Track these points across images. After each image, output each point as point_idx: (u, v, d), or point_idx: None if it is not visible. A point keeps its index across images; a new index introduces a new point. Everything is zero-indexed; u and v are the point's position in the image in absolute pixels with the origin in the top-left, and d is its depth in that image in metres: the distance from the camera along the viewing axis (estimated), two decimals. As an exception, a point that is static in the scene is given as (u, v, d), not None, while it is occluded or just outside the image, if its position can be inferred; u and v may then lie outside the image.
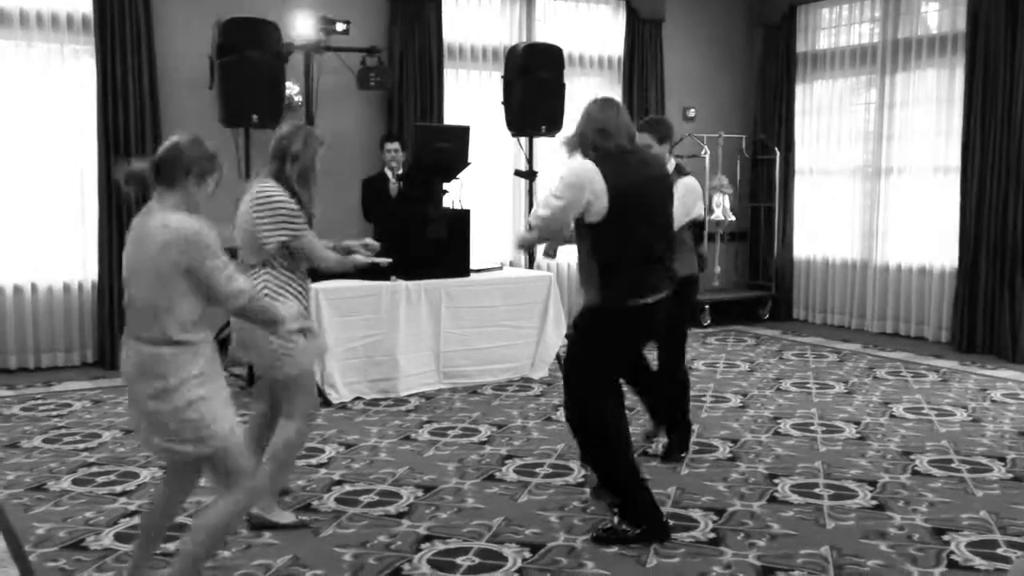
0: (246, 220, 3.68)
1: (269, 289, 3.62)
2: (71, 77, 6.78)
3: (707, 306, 8.83)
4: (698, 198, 4.69)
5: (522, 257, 8.02)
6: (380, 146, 7.08)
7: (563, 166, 3.66)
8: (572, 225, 3.63)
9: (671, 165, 4.61)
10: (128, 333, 2.84)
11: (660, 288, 3.61)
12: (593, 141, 3.58)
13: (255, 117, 6.34)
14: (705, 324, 8.77)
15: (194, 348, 2.77)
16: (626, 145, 3.60)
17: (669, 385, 4.74)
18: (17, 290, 6.71)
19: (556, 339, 6.63)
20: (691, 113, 9.34)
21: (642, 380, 4.66)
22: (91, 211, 6.82)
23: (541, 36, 8.26)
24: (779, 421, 5.41)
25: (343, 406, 5.71)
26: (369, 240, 4.13)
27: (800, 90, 9.28)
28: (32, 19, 6.60)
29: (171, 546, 3.34)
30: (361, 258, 4.11)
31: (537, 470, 4.49)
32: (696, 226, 4.88)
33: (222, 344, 5.01)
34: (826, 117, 9.12)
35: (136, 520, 3.76)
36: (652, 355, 4.74)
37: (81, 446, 4.86)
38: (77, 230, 6.84)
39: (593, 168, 3.50)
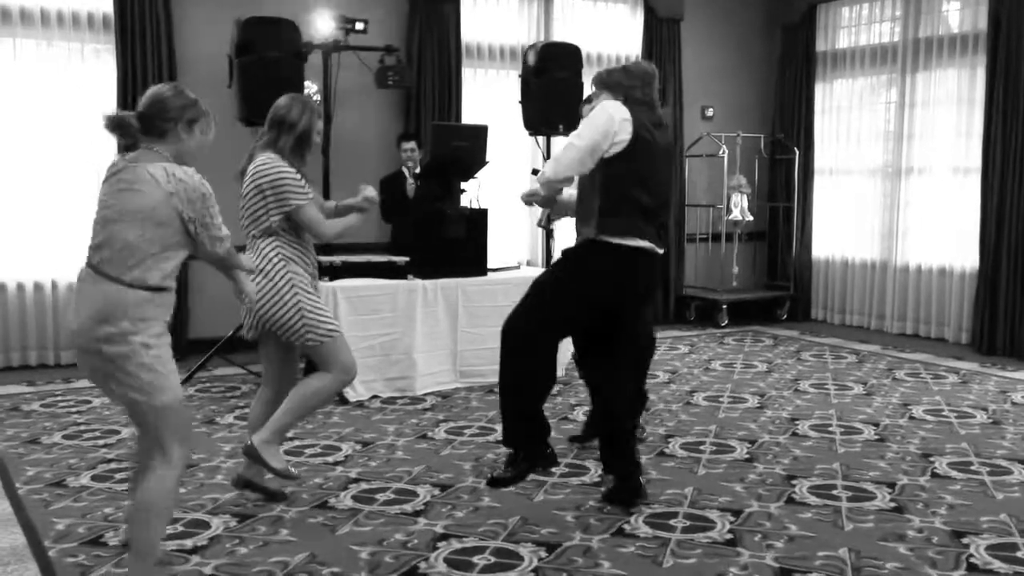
0: (250, 198, 3.78)
1: (281, 257, 3.76)
2: (91, 76, 6.82)
3: (725, 306, 8.80)
4: None
5: (540, 255, 8.02)
6: (397, 145, 7.10)
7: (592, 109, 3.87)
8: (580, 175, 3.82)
9: None
10: (94, 270, 2.77)
11: (649, 236, 3.77)
12: (626, 90, 3.85)
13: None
14: (722, 324, 8.73)
15: (164, 298, 2.80)
16: (654, 105, 3.89)
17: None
18: (37, 287, 6.76)
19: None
20: (709, 112, 9.31)
21: (598, 381, 4.24)
22: (111, 209, 6.85)
23: (559, 35, 8.26)
24: (797, 422, 5.39)
25: (360, 404, 5.73)
26: (369, 192, 4.05)
27: (819, 89, 9.23)
28: (53, 18, 6.65)
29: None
30: (358, 201, 4.06)
31: (553, 469, 4.48)
32: None
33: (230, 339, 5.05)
34: (846, 116, 9.07)
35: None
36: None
37: (100, 442, 4.90)
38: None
39: (623, 107, 3.73)
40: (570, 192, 4.12)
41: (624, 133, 3.68)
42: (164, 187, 2.76)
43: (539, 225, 4.21)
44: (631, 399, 4.32)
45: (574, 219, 4.06)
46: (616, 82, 3.90)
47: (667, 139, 3.92)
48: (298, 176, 3.78)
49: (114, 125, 2.87)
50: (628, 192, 3.72)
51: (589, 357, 4.15)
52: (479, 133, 6.27)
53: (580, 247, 3.85)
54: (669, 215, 4.01)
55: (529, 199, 4.26)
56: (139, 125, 2.86)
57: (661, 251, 3.88)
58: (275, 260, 3.77)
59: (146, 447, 2.91)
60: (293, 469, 3.94)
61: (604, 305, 3.84)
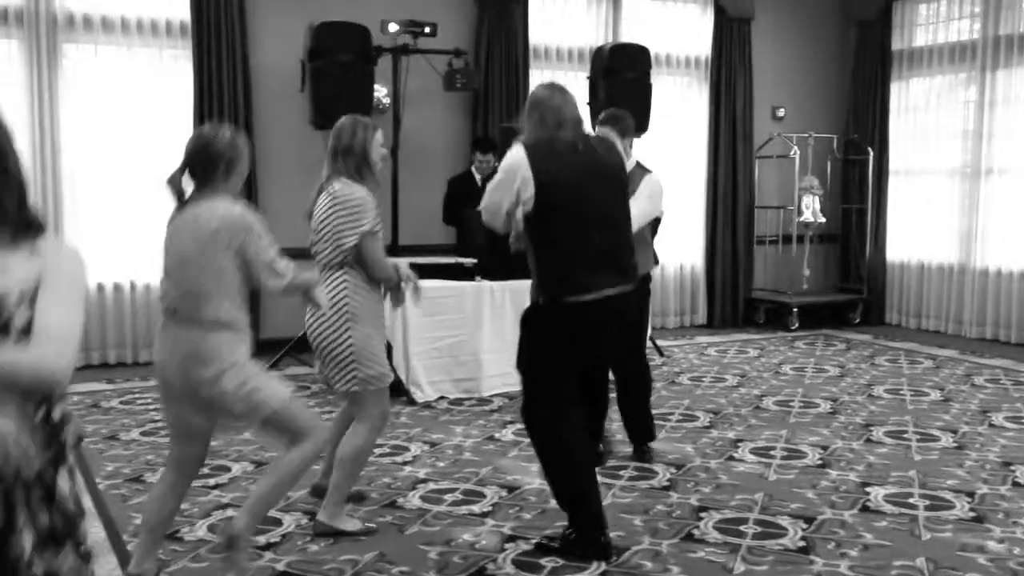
0: (325, 221, 3.56)
1: (348, 288, 3.53)
2: (169, 81, 6.99)
3: (795, 309, 8.65)
4: (662, 195, 4.65)
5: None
6: (472, 150, 7.11)
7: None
8: (515, 215, 3.40)
9: (631, 163, 4.51)
10: (173, 320, 2.98)
11: (600, 285, 3.35)
12: (529, 129, 3.43)
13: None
14: (793, 328, 8.59)
15: (241, 330, 2.96)
16: (563, 135, 3.38)
17: (633, 385, 4.64)
18: (117, 288, 6.95)
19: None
20: (780, 113, 9.17)
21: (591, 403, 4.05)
22: (187, 211, 7.01)
23: (627, 36, 8.21)
24: (871, 428, 5.27)
25: (427, 405, 5.76)
26: (416, 284, 3.76)
27: (895, 88, 9.02)
28: (133, 26, 6.84)
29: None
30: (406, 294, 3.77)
31: (621, 472, 4.46)
32: (656, 222, 4.79)
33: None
34: (922, 116, 8.85)
35: (230, 513, 3.86)
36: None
37: (176, 439, 5.00)
38: (161, 230, 7.02)
39: (521, 155, 3.34)
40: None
41: (527, 188, 3.30)
42: (208, 226, 2.91)
43: (511, 244, 3.87)
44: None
45: None
46: (527, 126, 3.47)
47: (602, 161, 3.46)
48: (369, 198, 3.58)
49: (171, 189, 3.08)
50: (554, 244, 3.37)
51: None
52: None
53: (529, 313, 3.54)
54: (628, 231, 3.54)
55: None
56: (183, 173, 3.06)
57: (621, 289, 3.44)
58: (342, 291, 3.54)
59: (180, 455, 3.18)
60: (369, 524, 3.75)
61: (576, 355, 3.50)
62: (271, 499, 3.15)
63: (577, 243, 3.35)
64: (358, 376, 3.53)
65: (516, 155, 3.37)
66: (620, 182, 3.55)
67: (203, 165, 3.02)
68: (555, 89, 3.49)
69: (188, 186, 3.10)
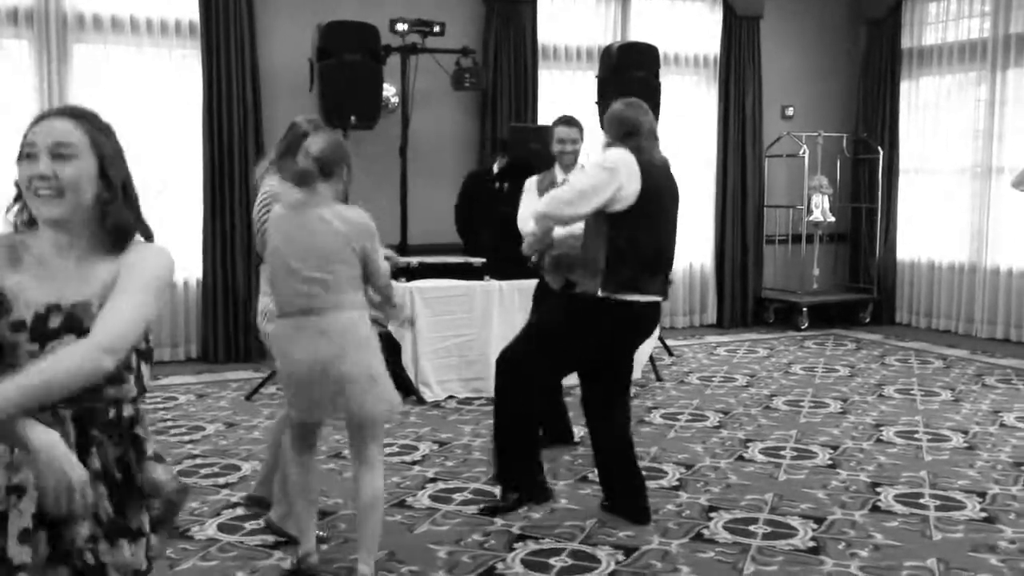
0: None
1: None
2: (178, 80, 7.00)
3: (805, 308, 8.63)
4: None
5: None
6: (492, 148, 7.03)
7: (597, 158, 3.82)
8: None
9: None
10: (307, 314, 3.09)
11: (655, 291, 3.69)
12: (636, 136, 3.66)
13: (353, 118, 6.46)
14: (802, 327, 8.56)
15: (368, 318, 3.19)
16: (650, 145, 3.70)
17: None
18: (126, 287, 6.97)
19: (650, 340, 6.54)
20: (789, 112, 9.14)
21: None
22: (196, 211, 7.03)
23: (636, 35, 8.19)
24: (881, 428, 5.25)
25: (436, 404, 5.76)
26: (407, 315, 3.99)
27: (905, 87, 8.98)
28: (142, 25, 6.85)
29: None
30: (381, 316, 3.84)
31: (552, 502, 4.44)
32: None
33: None
34: (932, 115, 8.81)
35: (238, 511, 3.87)
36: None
37: (186, 438, 5.02)
38: (183, 229, 7.05)
39: (630, 156, 3.58)
40: (568, 230, 3.86)
41: (631, 185, 3.55)
42: (338, 227, 3.08)
43: (528, 256, 4.00)
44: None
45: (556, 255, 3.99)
46: (625, 129, 3.68)
47: (672, 183, 3.78)
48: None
49: (300, 178, 3.15)
50: (636, 245, 3.60)
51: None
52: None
53: (586, 304, 3.65)
54: (671, 263, 3.85)
55: (532, 244, 3.96)
56: (316, 170, 3.14)
57: (663, 299, 3.79)
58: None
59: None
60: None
61: (607, 357, 3.82)
62: (379, 531, 3.20)
63: (648, 246, 3.62)
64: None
65: (622, 153, 3.58)
66: (678, 203, 3.81)
67: (332, 164, 3.14)
68: (638, 105, 3.74)
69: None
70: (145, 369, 1.88)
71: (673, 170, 3.82)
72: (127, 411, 1.85)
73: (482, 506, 3.96)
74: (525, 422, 3.91)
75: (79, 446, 1.76)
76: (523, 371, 3.81)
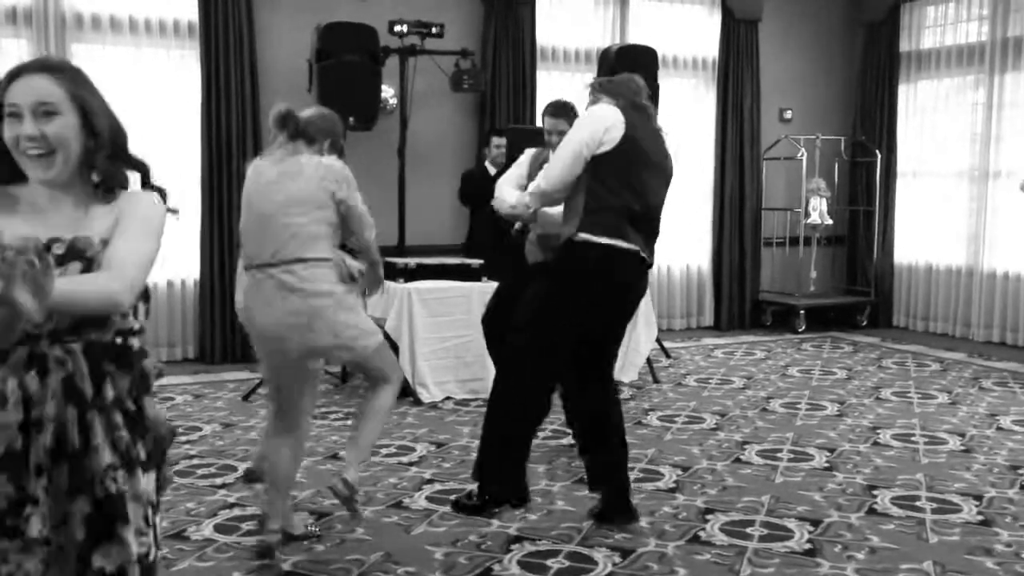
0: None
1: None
2: (177, 81, 7.00)
3: (802, 311, 8.63)
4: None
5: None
6: (486, 142, 7.04)
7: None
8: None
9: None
10: (272, 266, 3.15)
11: (639, 246, 3.53)
12: (626, 96, 3.63)
13: (351, 119, 6.44)
14: (800, 330, 8.57)
15: (337, 267, 3.23)
16: (652, 116, 3.71)
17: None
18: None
19: (647, 341, 6.56)
20: (788, 115, 9.15)
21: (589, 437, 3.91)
22: (193, 211, 7.03)
23: (634, 37, 8.20)
24: (878, 431, 5.26)
25: (434, 405, 5.76)
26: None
27: (903, 90, 9.00)
28: (141, 25, 6.85)
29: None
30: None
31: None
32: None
33: None
34: (930, 118, 8.83)
35: (235, 512, 3.87)
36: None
37: (183, 439, 5.01)
38: (180, 230, 7.04)
39: (616, 109, 3.55)
40: (556, 209, 3.83)
41: (616, 131, 3.49)
42: (315, 172, 3.19)
43: (515, 232, 4.06)
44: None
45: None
46: (617, 90, 3.67)
47: (662, 153, 3.67)
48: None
49: (281, 117, 3.28)
50: (616, 193, 3.50)
51: (586, 386, 3.83)
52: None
53: (559, 252, 3.62)
54: (657, 234, 3.69)
55: (512, 214, 3.93)
56: (294, 128, 3.28)
57: (650, 263, 3.63)
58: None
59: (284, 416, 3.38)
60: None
61: (593, 319, 3.60)
62: (371, 443, 3.38)
63: (631, 198, 3.51)
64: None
65: (605, 106, 3.56)
66: (667, 177, 3.71)
67: (314, 130, 3.29)
68: (628, 78, 3.75)
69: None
70: (142, 307, 1.94)
71: (668, 147, 3.73)
72: (134, 344, 1.90)
73: (454, 498, 3.95)
74: (522, 421, 3.77)
75: (93, 376, 1.81)
76: (524, 366, 3.69)
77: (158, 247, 1.90)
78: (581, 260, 3.53)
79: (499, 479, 3.83)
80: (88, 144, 1.87)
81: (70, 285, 1.68)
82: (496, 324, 4.65)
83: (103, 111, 1.91)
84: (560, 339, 3.62)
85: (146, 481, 1.88)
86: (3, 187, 1.89)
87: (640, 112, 3.62)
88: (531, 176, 4.43)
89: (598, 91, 3.71)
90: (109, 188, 1.91)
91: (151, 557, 1.90)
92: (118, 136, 1.94)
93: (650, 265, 3.64)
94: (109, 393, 1.83)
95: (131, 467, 1.84)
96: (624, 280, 3.59)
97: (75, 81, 1.88)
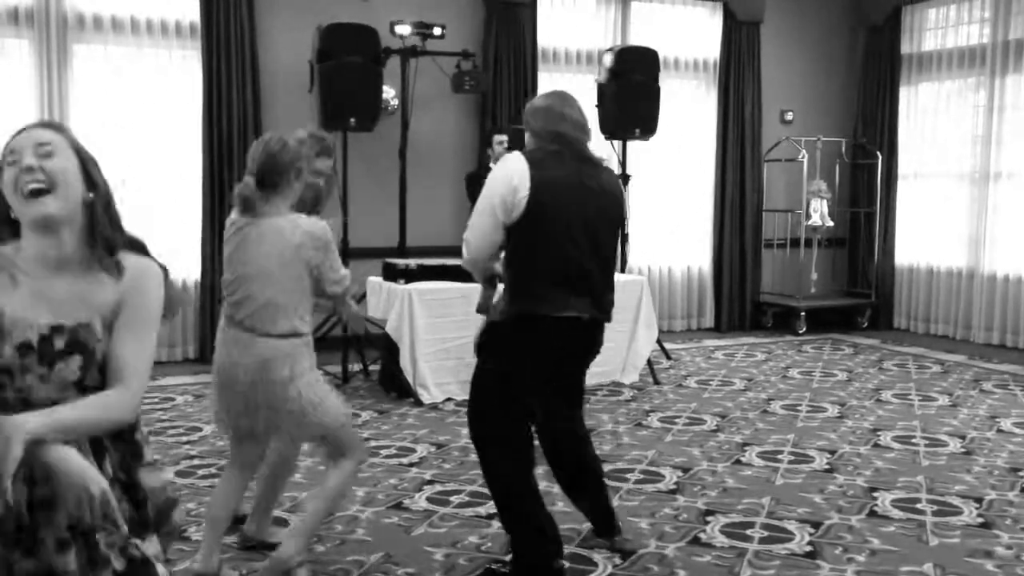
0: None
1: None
2: (178, 82, 7.01)
3: (803, 313, 8.63)
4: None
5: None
6: (488, 142, 7.04)
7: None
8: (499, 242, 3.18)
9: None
10: (242, 328, 3.03)
11: (574, 308, 3.13)
12: (529, 138, 3.24)
13: (353, 120, 6.47)
14: (800, 332, 8.57)
15: (308, 340, 3.08)
16: (562, 150, 3.16)
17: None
18: (125, 287, 6.97)
19: (647, 343, 6.57)
20: (789, 116, 9.16)
21: (576, 479, 3.60)
22: (195, 211, 7.04)
23: (636, 39, 8.20)
24: (879, 433, 5.26)
25: (434, 406, 5.77)
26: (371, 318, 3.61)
27: (904, 92, 9.00)
28: (143, 26, 6.86)
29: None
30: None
31: (628, 476, 4.45)
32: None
33: None
34: (931, 120, 8.83)
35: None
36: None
37: (183, 439, 5.02)
38: (182, 230, 7.06)
39: (519, 158, 3.11)
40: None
41: (523, 191, 3.05)
42: (291, 239, 2.99)
43: (479, 311, 3.40)
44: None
45: None
46: (532, 126, 3.25)
47: (598, 182, 3.20)
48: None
49: (242, 202, 3.07)
50: (533, 260, 3.12)
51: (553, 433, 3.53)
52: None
53: (490, 327, 3.30)
54: (611, 263, 3.31)
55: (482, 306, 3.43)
56: (255, 185, 3.05)
57: (594, 317, 3.22)
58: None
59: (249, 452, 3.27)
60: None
61: (536, 371, 3.24)
62: (318, 521, 3.23)
63: (554, 261, 3.11)
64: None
65: (508, 159, 3.16)
66: (616, 208, 3.30)
67: (273, 175, 3.06)
68: (555, 97, 3.27)
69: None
70: None
71: (609, 187, 3.26)
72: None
73: (488, 568, 3.41)
74: (521, 481, 3.26)
75: (95, 453, 1.80)
76: (492, 431, 3.28)
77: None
78: (514, 332, 3.18)
79: (527, 546, 3.28)
80: (87, 196, 1.85)
81: (77, 413, 1.71)
82: None
83: (98, 169, 1.90)
84: (514, 391, 3.23)
85: (154, 543, 1.90)
86: (5, 252, 1.85)
87: (557, 155, 3.15)
88: None
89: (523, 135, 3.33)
90: (110, 251, 1.87)
91: None
92: (110, 198, 1.91)
93: (594, 319, 3.23)
94: (108, 470, 1.83)
95: (141, 532, 1.86)
96: (556, 344, 3.20)
97: (73, 137, 1.90)
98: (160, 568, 1.85)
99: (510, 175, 3.09)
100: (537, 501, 3.27)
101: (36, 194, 1.78)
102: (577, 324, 3.18)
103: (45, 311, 1.78)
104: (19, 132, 1.87)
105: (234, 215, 3.14)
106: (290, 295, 3.02)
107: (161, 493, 1.94)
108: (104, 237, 1.86)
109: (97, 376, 1.82)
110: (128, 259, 1.90)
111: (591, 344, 3.33)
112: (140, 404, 1.85)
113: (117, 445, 1.86)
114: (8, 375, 1.77)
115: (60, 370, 1.76)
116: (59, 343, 1.77)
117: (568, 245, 3.13)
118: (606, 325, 3.36)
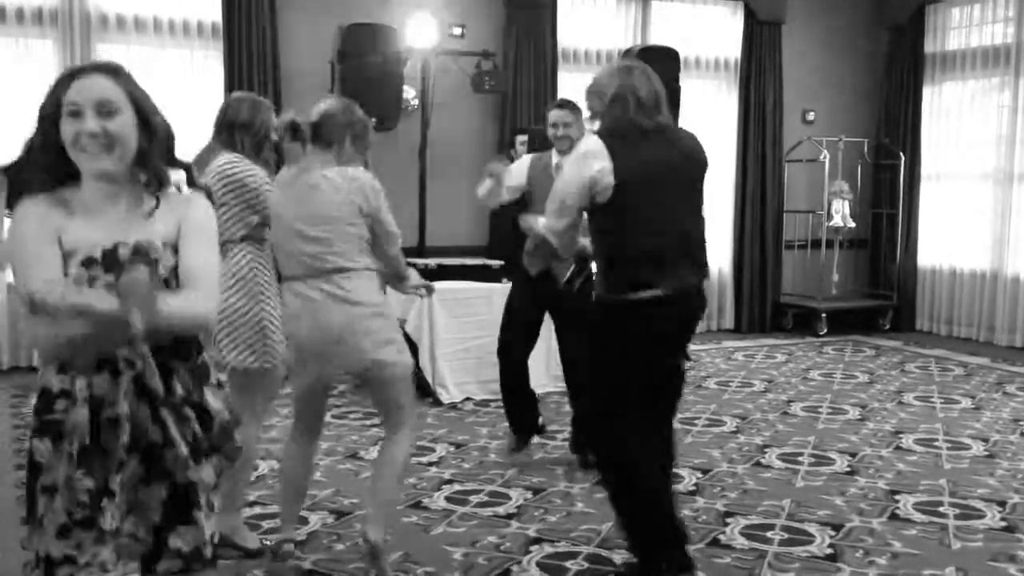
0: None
1: (255, 261, 3.36)
2: (200, 82, 7.05)
3: (824, 314, 8.58)
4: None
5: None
6: (511, 143, 7.04)
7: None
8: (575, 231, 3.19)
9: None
10: (314, 273, 3.07)
11: (667, 283, 3.07)
12: (604, 116, 3.14)
13: (373, 120, 6.44)
14: (821, 333, 8.52)
15: (374, 275, 3.15)
16: (644, 121, 3.10)
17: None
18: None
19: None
20: (810, 116, 9.10)
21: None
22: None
23: (656, 38, 8.18)
24: (901, 435, 5.22)
25: (453, 406, 5.77)
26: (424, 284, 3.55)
27: (928, 92, 8.92)
28: (165, 26, 6.91)
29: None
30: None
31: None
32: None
33: None
34: (955, 120, 8.75)
35: (257, 510, 3.88)
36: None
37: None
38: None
39: (598, 144, 3.05)
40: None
41: (604, 180, 3.01)
42: (340, 186, 3.06)
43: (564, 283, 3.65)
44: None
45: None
46: (595, 108, 3.20)
47: (680, 156, 3.21)
48: (267, 178, 3.39)
49: (288, 129, 3.16)
50: (623, 246, 3.10)
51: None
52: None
53: (594, 313, 3.25)
54: (700, 243, 3.28)
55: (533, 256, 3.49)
56: (310, 133, 3.14)
57: (697, 281, 3.21)
58: (249, 262, 3.36)
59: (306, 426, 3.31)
60: (268, 542, 3.54)
61: (644, 360, 3.18)
62: (394, 498, 3.31)
63: (645, 241, 3.07)
64: (268, 352, 3.33)
65: (588, 144, 3.10)
66: (699, 166, 3.32)
67: (335, 129, 3.13)
68: (625, 70, 3.19)
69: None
70: None
71: (685, 137, 3.31)
72: (192, 340, 2.02)
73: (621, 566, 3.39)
74: (646, 484, 3.19)
75: (162, 374, 1.92)
76: (597, 427, 3.24)
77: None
78: (613, 319, 3.15)
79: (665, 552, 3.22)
80: (143, 143, 1.93)
81: (167, 308, 1.79)
82: (516, 358, 4.65)
83: (157, 112, 1.98)
84: (627, 381, 3.18)
85: (207, 470, 2.00)
86: (54, 191, 1.94)
87: (636, 126, 3.09)
88: (534, 182, 4.42)
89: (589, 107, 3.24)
90: (160, 182, 1.98)
91: (215, 537, 2.06)
92: (169, 137, 2.01)
93: (697, 281, 3.22)
94: (178, 389, 1.95)
95: (198, 456, 1.97)
96: (657, 328, 3.15)
97: (131, 82, 1.96)
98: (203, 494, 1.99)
99: (586, 160, 3.05)
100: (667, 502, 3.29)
101: (95, 153, 1.88)
102: (674, 301, 3.11)
103: (104, 234, 1.89)
104: (78, 75, 1.91)
105: (283, 171, 3.24)
106: (350, 240, 3.08)
107: (223, 414, 2.04)
108: (155, 172, 1.96)
109: (163, 289, 1.91)
110: (180, 194, 2.03)
111: (694, 315, 3.29)
112: (215, 308, 1.95)
113: (186, 364, 1.98)
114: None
115: (129, 271, 1.84)
116: (123, 253, 1.88)
117: (660, 221, 3.09)
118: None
